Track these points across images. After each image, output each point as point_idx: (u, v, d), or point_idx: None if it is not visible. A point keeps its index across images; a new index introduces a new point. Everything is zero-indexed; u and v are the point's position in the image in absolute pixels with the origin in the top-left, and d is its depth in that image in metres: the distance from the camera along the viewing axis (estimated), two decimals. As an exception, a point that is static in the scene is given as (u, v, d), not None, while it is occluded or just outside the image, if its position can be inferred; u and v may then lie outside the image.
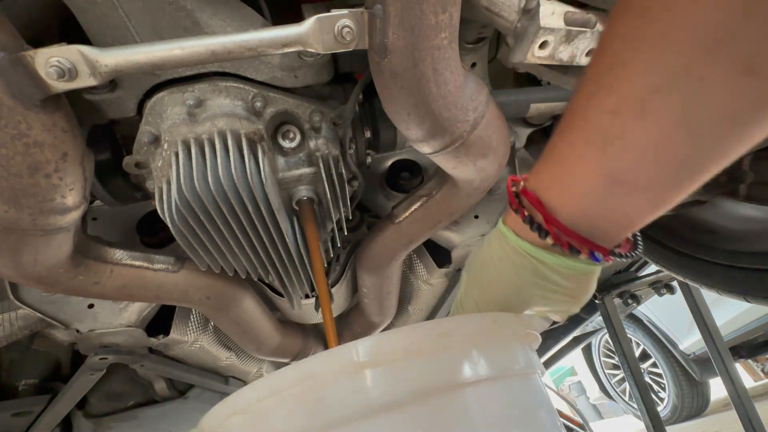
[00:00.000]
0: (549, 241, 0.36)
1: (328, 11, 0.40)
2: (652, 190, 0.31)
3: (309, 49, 0.41)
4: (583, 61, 0.47)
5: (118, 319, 0.81)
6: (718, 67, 0.24)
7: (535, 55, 0.45)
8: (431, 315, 1.12)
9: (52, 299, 0.75)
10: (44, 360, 0.98)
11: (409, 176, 0.88)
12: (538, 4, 0.43)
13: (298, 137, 0.55)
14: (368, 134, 0.65)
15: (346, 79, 0.63)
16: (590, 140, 0.31)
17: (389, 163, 0.89)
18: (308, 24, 0.40)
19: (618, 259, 0.38)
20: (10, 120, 0.37)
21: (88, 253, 0.59)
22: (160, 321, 0.90)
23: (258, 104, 0.50)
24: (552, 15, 0.43)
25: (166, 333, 0.91)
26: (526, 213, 0.37)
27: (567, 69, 0.51)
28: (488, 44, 0.68)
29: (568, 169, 0.34)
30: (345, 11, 0.40)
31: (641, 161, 0.29)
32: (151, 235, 0.83)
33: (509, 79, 0.93)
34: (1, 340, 0.76)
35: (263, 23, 0.50)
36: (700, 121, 0.26)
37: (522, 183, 0.39)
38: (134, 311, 0.82)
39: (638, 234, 0.42)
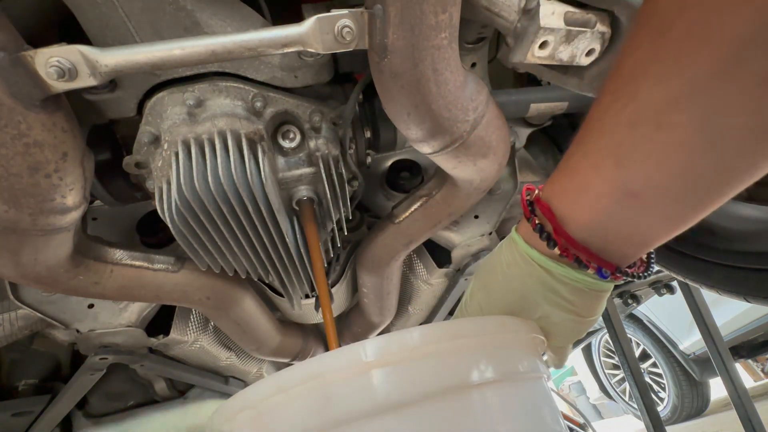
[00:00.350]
0: (557, 251, 0.35)
1: (328, 11, 0.40)
2: (668, 206, 0.30)
3: (309, 49, 0.41)
4: (583, 61, 0.47)
5: (118, 319, 0.81)
6: (738, 80, 0.23)
7: (535, 55, 0.45)
8: (431, 315, 1.12)
9: (52, 299, 0.75)
10: (44, 360, 0.98)
11: (409, 176, 0.88)
12: (538, 4, 0.43)
13: (298, 137, 0.55)
14: (368, 134, 0.65)
15: (346, 79, 0.63)
16: (605, 151, 0.30)
17: (389, 163, 0.89)
18: (308, 24, 0.40)
19: (627, 278, 0.37)
20: (10, 120, 0.37)
21: (88, 253, 0.59)
22: (160, 321, 0.90)
23: (258, 104, 0.50)
24: (552, 15, 0.43)
25: (166, 333, 0.91)
26: (537, 222, 0.37)
27: (567, 69, 0.51)
28: (488, 44, 0.68)
29: (581, 180, 0.33)
30: (345, 11, 0.40)
31: (657, 174, 0.28)
32: (151, 235, 0.83)
33: (509, 79, 0.93)
34: (1, 340, 0.76)
35: (263, 23, 0.50)
36: (720, 134, 0.25)
37: (537, 191, 0.39)
38: (134, 311, 0.82)
39: (653, 254, 0.40)
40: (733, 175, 0.27)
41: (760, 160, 0.26)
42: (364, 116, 0.64)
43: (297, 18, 0.43)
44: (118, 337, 0.83)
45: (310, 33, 0.40)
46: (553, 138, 1.07)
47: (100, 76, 0.37)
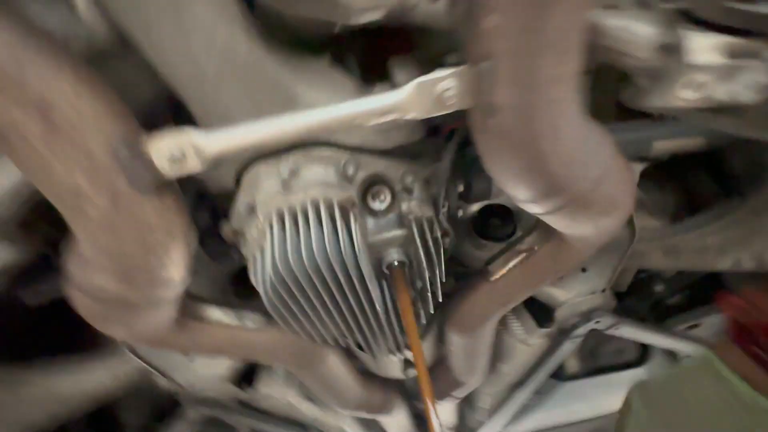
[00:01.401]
0: None
1: (421, 69, 0.37)
2: None
3: (407, 117, 0.38)
4: (747, 97, 0.37)
5: (213, 371, 0.83)
6: None
7: (681, 97, 0.36)
8: (528, 376, 0.99)
9: (157, 352, 0.79)
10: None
11: (500, 223, 0.81)
12: (683, 38, 0.35)
13: (389, 198, 0.52)
14: (461, 188, 0.60)
15: (435, 132, 0.60)
16: None
17: (477, 208, 0.82)
18: (407, 90, 0.37)
19: None
20: (128, 208, 0.38)
21: (188, 313, 0.61)
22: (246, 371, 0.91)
23: (350, 170, 0.48)
24: (704, 49, 0.35)
25: (249, 383, 0.92)
26: (764, 358, 0.27)
27: (720, 109, 0.41)
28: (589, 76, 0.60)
29: None
30: (447, 72, 0.36)
31: None
32: (243, 284, 0.85)
33: (610, 108, 0.82)
34: (118, 390, 0.82)
35: (355, 86, 0.48)
36: None
37: (748, 307, 0.29)
38: (228, 365, 0.84)
39: None
40: None
41: None
42: (455, 168, 0.60)
43: (382, 67, 0.41)
44: (214, 391, 0.85)
45: (409, 100, 0.37)
46: (670, 170, 0.91)
47: (205, 162, 0.38)
